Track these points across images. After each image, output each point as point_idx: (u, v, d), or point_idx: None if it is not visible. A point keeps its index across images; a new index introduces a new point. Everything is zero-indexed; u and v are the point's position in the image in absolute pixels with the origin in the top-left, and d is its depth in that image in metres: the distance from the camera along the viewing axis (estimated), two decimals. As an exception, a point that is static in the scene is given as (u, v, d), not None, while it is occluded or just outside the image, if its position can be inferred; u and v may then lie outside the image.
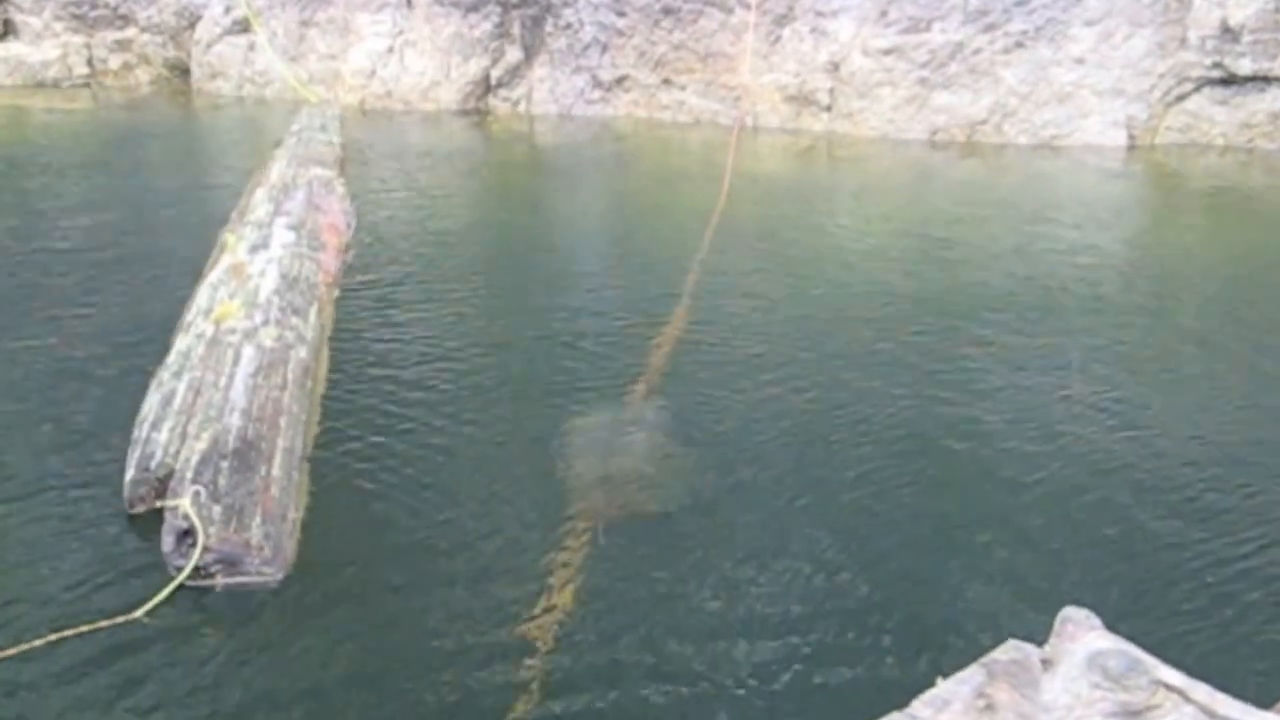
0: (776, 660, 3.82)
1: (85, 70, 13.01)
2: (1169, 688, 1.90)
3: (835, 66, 11.37)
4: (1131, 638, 2.02)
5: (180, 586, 4.08)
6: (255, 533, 4.23)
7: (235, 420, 4.83)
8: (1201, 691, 1.90)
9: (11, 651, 3.71)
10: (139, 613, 3.93)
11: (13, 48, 13.00)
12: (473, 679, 3.74)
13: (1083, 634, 2.02)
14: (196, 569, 4.12)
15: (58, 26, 13.13)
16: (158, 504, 4.42)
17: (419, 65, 12.27)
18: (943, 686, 1.98)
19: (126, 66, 13.09)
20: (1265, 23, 10.29)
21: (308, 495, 4.73)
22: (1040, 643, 2.05)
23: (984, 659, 2.03)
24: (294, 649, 3.88)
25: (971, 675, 1.99)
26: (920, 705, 1.94)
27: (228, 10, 12.70)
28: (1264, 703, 2.03)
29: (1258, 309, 7.11)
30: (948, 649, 3.82)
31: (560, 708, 3.62)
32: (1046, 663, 2.00)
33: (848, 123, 11.32)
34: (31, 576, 4.18)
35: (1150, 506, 4.81)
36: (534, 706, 3.60)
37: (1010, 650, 2.04)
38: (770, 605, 4.12)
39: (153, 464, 4.59)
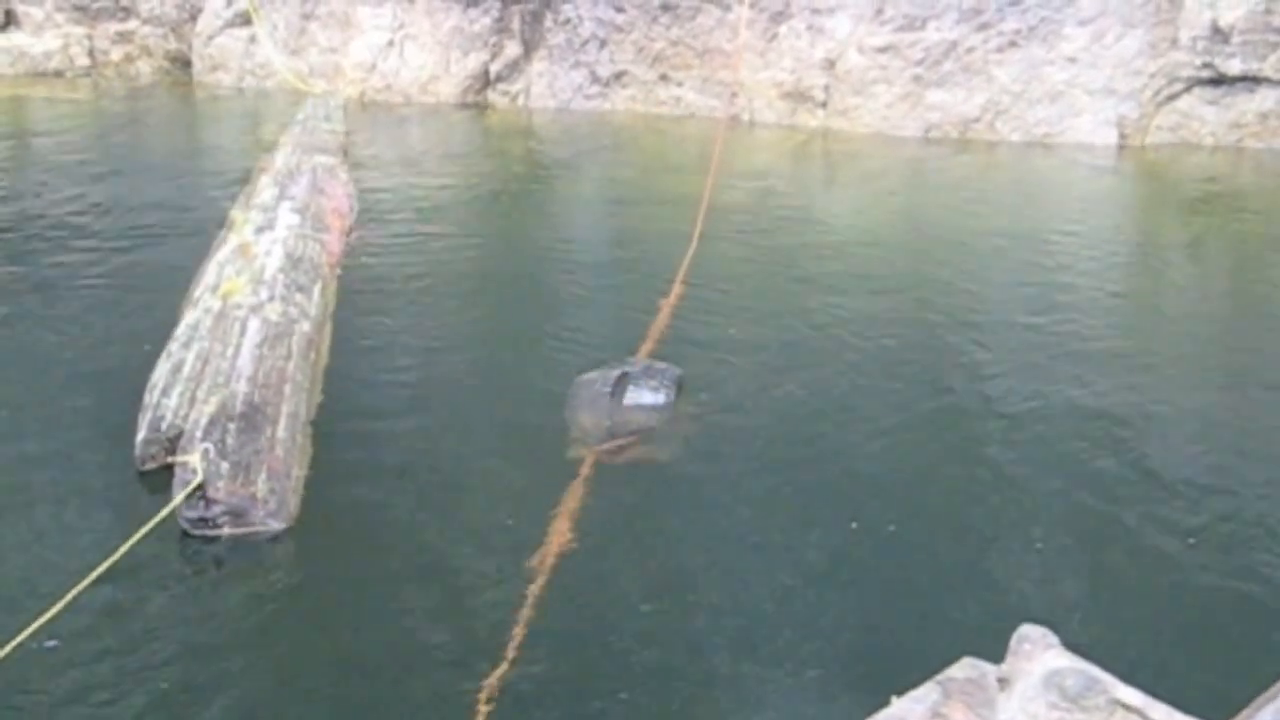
0: (730, 667, 3.72)
1: (86, 61, 13.08)
2: (1127, 707, 1.86)
3: (831, 64, 11.49)
4: (1090, 656, 1.98)
5: (184, 533, 4.19)
6: (261, 487, 4.35)
7: (242, 386, 4.94)
8: (1160, 711, 1.87)
9: (37, 624, 3.75)
10: (125, 546, 4.00)
11: (14, 38, 13.07)
12: (469, 626, 3.84)
13: (1040, 652, 1.97)
14: (205, 520, 4.23)
15: (59, 18, 13.20)
16: (168, 460, 4.53)
17: (419, 59, 12.37)
18: (897, 705, 1.93)
19: (128, 58, 13.17)
20: (1255, 24, 10.41)
21: (310, 456, 4.84)
22: (997, 661, 2.01)
23: (939, 676, 1.98)
24: (297, 595, 4.01)
25: (927, 693, 1.94)
26: None
27: (229, 3, 12.80)
28: None
29: (1246, 304, 7.19)
30: (903, 664, 3.59)
31: (553, 649, 3.75)
32: (1003, 681, 1.96)
33: (843, 119, 11.44)
34: (46, 525, 4.29)
35: (1124, 516, 4.61)
36: (529, 650, 3.70)
37: (966, 668, 1.99)
38: (730, 604, 4.03)
39: (163, 425, 4.71)
